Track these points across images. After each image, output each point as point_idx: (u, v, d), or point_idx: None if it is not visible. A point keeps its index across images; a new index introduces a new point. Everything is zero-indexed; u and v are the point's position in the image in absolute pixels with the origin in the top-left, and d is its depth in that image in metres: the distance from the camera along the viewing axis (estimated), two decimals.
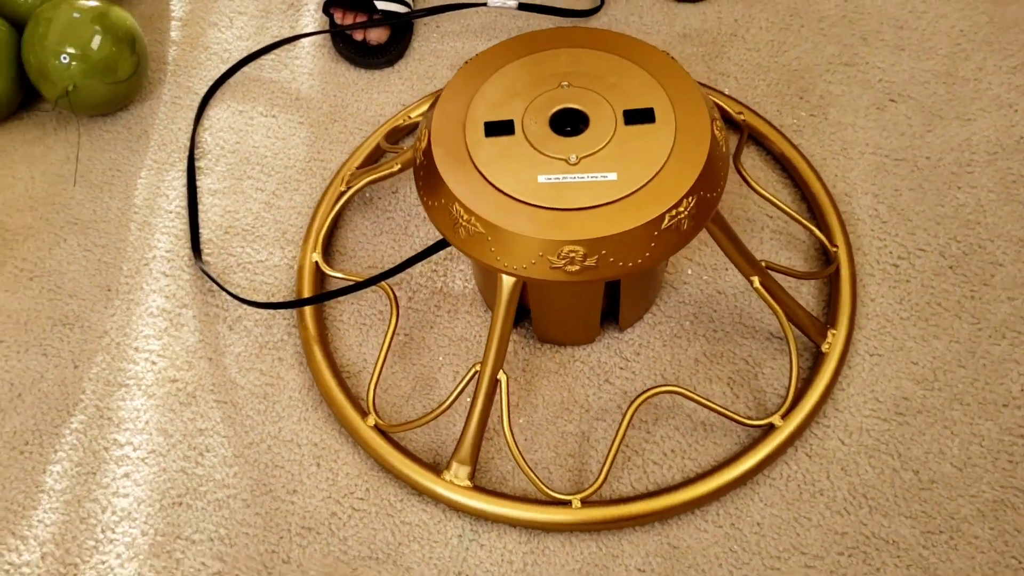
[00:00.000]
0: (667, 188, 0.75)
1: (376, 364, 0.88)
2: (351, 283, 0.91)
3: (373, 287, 0.96)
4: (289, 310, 0.96)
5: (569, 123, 0.80)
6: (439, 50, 1.16)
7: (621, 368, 0.92)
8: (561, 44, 0.85)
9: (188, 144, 1.10)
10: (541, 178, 0.76)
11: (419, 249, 1.00)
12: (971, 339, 0.92)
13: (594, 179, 0.76)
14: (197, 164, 1.08)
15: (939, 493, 0.84)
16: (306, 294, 0.95)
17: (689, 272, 0.97)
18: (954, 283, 0.95)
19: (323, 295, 0.92)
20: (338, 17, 1.14)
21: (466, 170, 0.77)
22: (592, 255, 0.74)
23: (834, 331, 0.90)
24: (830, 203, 0.98)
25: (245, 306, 0.97)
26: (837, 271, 0.94)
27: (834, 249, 0.95)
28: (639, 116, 0.79)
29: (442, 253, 1.00)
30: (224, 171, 1.08)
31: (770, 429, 0.85)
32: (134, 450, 0.90)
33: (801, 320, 0.89)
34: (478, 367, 0.83)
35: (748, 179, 0.95)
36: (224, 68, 1.16)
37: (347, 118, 1.11)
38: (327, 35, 1.17)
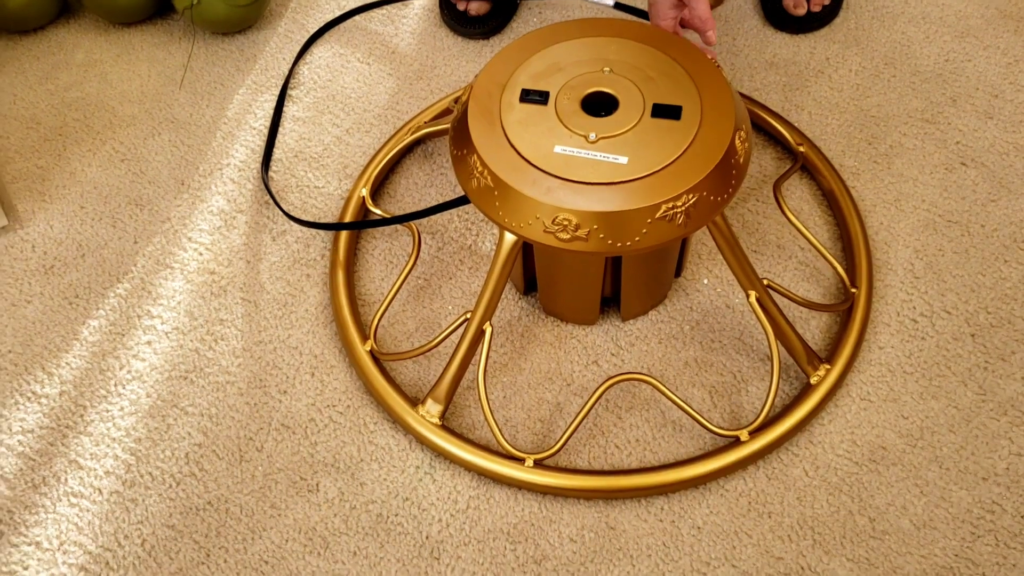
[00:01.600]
0: (671, 180, 0.78)
1: (387, 295, 0.94)
2: (384, 218, 0.98)
3: (402, 226, 1.02)
4: (328, 234, 1.03)
5: (600, 105, 0.84)
6: None
7: (612, 354, 0.94)
8: (617, 34, 0.89)
9: (286, 72, 1.19)
10: (557, 148, 0.80)
11: (452, 221, 1.05)
12: (971, 408, 0.90)
13: (605, 159, 0.79)
14: (289, 92, 1.18)
15: (889, 545, 0.82)
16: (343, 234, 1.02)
17: (705, 282, 0.99)
18: (971, 350, 0.93)
19: (354, 223, 0.99)
20: None
21: (493, 128, 0.82)
22: (584, 227, 0.77)
23: (828, 367, 0.90)
24: (864, 248, 0.98)
25: (291, 222, 1.05)
26: (850, 311, 0.94)
27: (853, 290, 0.94)
28: (666, 111, 0.82)
29: (479, 221, 1.05)
30: (310, 102, 1.17)
31: (735, 442, 0.86)
32: (162, 323, 0.99)
33: (793, 346, 0.89)
34: (469, 314, 0.87)
35: (783, 205, 0.96)
36: (339, 13, 1.26)
37: (433, 78, 1.18)
38: (435, 1, 1.25)
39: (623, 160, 0.79)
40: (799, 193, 1.05)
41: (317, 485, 0.88)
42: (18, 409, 0.94)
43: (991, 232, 1.01)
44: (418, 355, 0.90)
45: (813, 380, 0.89)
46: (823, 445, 0.88)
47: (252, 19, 1.23)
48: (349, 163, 1.11)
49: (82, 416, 0.93)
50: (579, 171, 0.79)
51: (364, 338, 0.94)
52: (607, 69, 0.85)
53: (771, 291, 0.89)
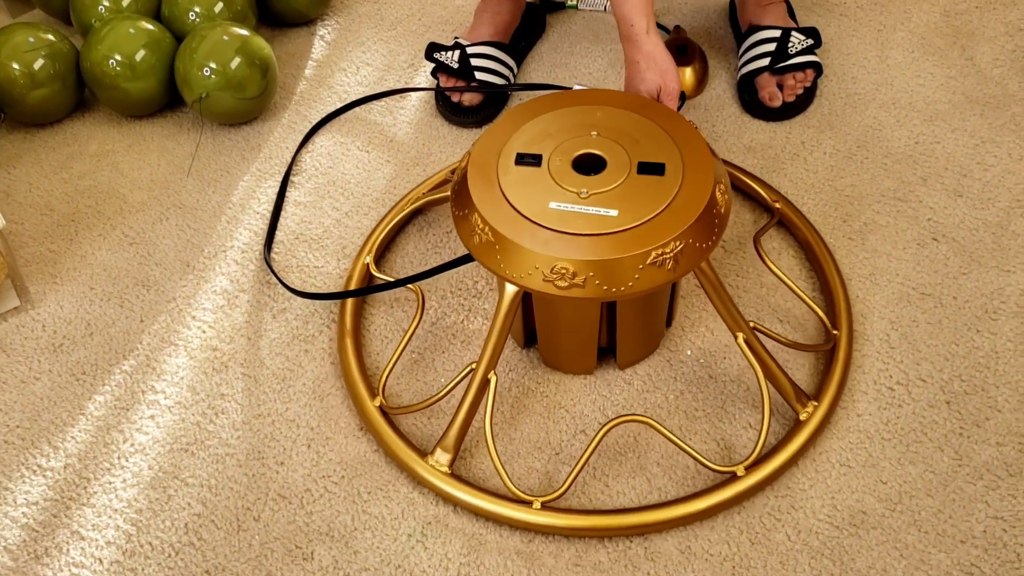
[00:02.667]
0: (659, 229, 0.85)
1: (395, 353, 1.00)
2: (388, 282, 1.03)
3: (406, 289, 1.07)
4: (329, 307, 1.08)
5: (590, 165, 0.91)
6: None
7: (610, 400, 0.99)
8: (602, 102, 0.96)
9: (289, 160, 1.25)
10: (552, 204, 0.87)
11: (454, 281, 1.10)
12: (948, 473, 0.92)
13: (597, 212, 0.86)
14: (292, 178, 1.24)
15: None
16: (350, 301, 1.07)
17: (688, 353, 1.03)
18: (946, 417, 0.96)
19: (357, 290, 1.04)
20: (443, 80, 1.29)
21: (491, 189, 0.89)
22: (581, 274, 0.83)
23: (815, 403, 0.94)
24: (842, 292, 1.05)
25: (290, 300, 1.09)
26: (833, 351, 0.99)
27: (835, 332, 1.00)
28: (651, 168, 0.89)
29: (479, 282, 1.09)
30: (312, 188, 1.23)
31: (732, 478, 0.90)
32: (165, 398, 1.02)
33: (782, 385, 0.94)
34: (474, 365, 0.92)
35: (763, 255, 1.03)
36: (340, 105, 1.33)
37: (429, 164, 1.24)
38: (431, 93, 1.32)
39: (613, 213, 0.86)
40: (778, 246, 1.11)
41: (312, 553, 0.90)
42: (24, 482, 0.97)
43: (963, 304, 1.05)
44: (426, 407, 0.95)
45: (802, 416, 0.94)
46: (804, 510, 0.90)
47: (257, 111, 1.30)
48: (348, 244, 1.16)
49: (85, 488, 0.96)
50: (573, 224, 0.85)
51: (373, 395, 0.98)
52: (594, 133, 0.93)
53: (758, 333, 0.94)
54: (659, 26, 1.39)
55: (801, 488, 0.92)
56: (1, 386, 1.04)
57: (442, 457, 0.92)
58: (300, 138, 1.29)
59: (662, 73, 1.03)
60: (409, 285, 1.03)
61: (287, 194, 1.22)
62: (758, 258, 1.07)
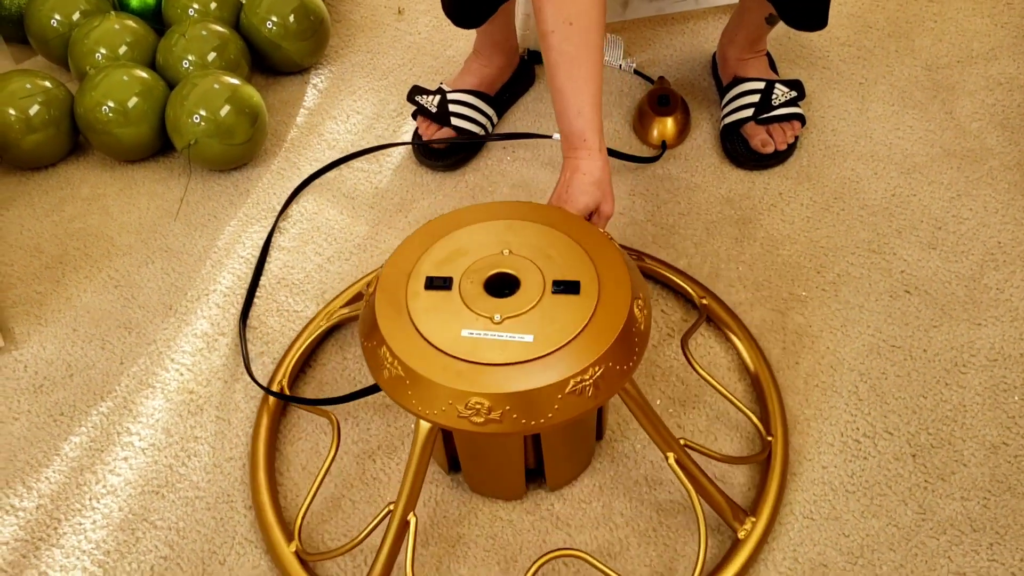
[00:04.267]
0: (577, 355, 0.79)
1: (309, 492, 0.93)
2: (302, 402, 1.00)
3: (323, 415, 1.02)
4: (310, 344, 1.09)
5: (503, 285, 0.86)
6: (504, 170, 1.31)
7: (540, 526, 0.95)
8: (515, 216, 0.91)
9: (278, 207, 1.28)
10: (464, 332, 0.81)
11: (373, 403, 1.05)
12: (911, 527, 0.92)
13: (512, 338, 0.80)
14: (277, 224, 1.26)
15: None
16: (264, 421, 1.02)
17: (631, 441, 1.00)
18: (911, 471, 0.96)
19: (283, 399, 1.02)
20: (420, 122, 1.31)
21: (400, 317, 0.83)
22: (496, 409, 0.78)
23: (753, 519, 0.91)
24: (776, 396, 1.01)
25: (267, 344, 1.11)
26: (768, 461, 0.96)
27: (769, 439, 0.97)
28: (566, 287, 0.84)
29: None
30: (296, 233, 1.25)
31: None
32: (139, 440, 1.04)
33: (718, 504, 0.90)
34: (391, 506, 0.86)
35: (691, 359, 0.99)
36: (329, 154, 1.35)
37: (411, 211, 1.26)
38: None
39: (529, 338, 0.80)
40: (709, 343, 1.08)
41: None
42: None
43: (933, 357, 1.06)
44: (344, 553, 0.89)
45: (741, 535, 0.90)
46: (765, 563, 0.90)
47: (247, 157, 1.33)
48: (327, 289, 1.18)
49: (56, 529, 0.97)
50: (487, 353, 0.80)
51: (289, 538, 0.92)
52: (506, 251, 0.88)
53: (689, 450, 0.90)
54: (643, 75, 1.42)
55: (764, 541, 0.92)
56: None
57: None
58: (289, 184, 1.31)
59: (604, 194, 0.98)
60: (325, 409, 0.99)
61: (272, 239, 1.24)
62: (682, 359, 1.05)
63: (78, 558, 0.95)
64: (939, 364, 1.05)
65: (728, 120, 1.29)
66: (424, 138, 1.30)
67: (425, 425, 0.83)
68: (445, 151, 1.29)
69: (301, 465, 1.01)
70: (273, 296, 1.17)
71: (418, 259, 0.88)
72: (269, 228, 1.25)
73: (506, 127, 1.37)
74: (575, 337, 0.80)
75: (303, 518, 0.93)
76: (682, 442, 0.90)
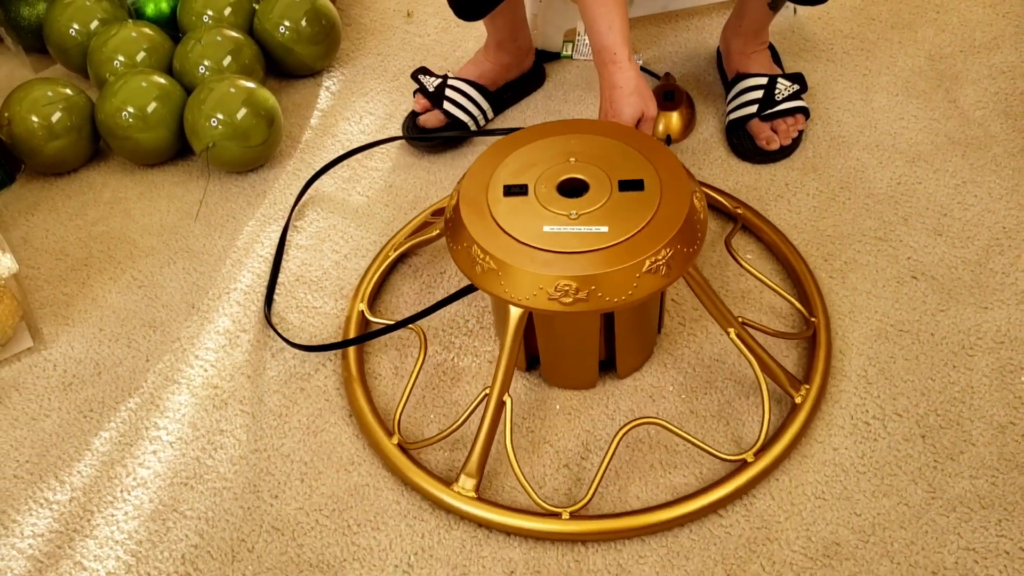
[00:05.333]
0: (649, 239, 0.91)
1: (404, 392, 1.04)
2: (389, 325, 1.07)
3: (399, 336, 1.12)
4: (333, 352, 1.12)
5: (573, 189, 0.97)
6: None
7: (616, 407, 1.05)
8: (574, 131, 1.02)
9: (291, 205, 1.31)
10: (546, 228, 0.93)
11: (451, 321, 1.14)
12: (921, 505, 0.94)
13: (589, 230, 0.92)
14: (294, 223, 1.29)
15: None
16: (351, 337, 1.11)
17: (686, 334, 1.09)
18: (921, 451, 0.98)
19: (359, 337, 1.08)
20: (417, 102, 1.36)
21: (485, 221, 0.94)
22: (583, 289, 0.88)
23: (807, 386, 1.01)
24: (813, 282, 1.12)
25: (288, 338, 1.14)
26: (814, 338, 1.06)
27: (813, 320, 1.07)
28: (631, 185, 0.95)
29: (469, 320, 1.13)
30: (313, 232, 1.28)
31: (742, 465, 0.96)
32: (167, 434, 1.07)
33: (776, 374, 1.00)
34: (487, 391, 0.97)
35: (736, 256, 1.11)
36: (341, 153, 1.38)
37: (424, 206, 1.29)
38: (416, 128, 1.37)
39: (604, 229, 0.92)
40: (748, 248, 1.18)
41: None
42: (31, 515, 1.01)
43: (940, 340, 1.08)
44: (444, 438, 1.00)
45: (798, 400, 1.00)
46: (779, 542, 0.93)
47: (263, 159, 1.36)
48: (345, 285, 1.20)
49: (89, 520, 1.00)
50: (569, 244, 0.91)
51: (389, 433, 1.02)
52: (572, 159, 0.99)
53: (746, 327, 1.00)
54: (649, 72, 1.45)
55: (776, 520, 0.94)
56: (13, 423, 1.09)
57: (467, 483, 0.96)
58: (303, 184, 1.34)
59: (644, 100, 1.08)
60: (410, 326, 1.07)
61: (289, 238, 1.27)
62: (728, 264, 1.13)
63: (111, 548, 0.98)
64: (946, 347, 1.07)
65: (733, 116, 1.31)
66: (417, 110, 1.35)
67: (516, 311, 0.93)
68: (430, 131, 1.35)
69: (384, 380, 1.10)
70: (292, 293, 1.20)
71: (492, 173, 0.98)
72: (284, 224, 1.28)
73: (510, 122, 1.40)
74: (646, 225, 0.91)
75: (399, 416, 1.02)
76: (740, 320, 1.00)
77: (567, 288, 0.88)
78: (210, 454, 1.05)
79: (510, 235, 0.92)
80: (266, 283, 1.21)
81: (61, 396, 1.12)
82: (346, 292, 1.20)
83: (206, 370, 1.13)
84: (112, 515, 1.00)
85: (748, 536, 0.93)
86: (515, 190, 0.97)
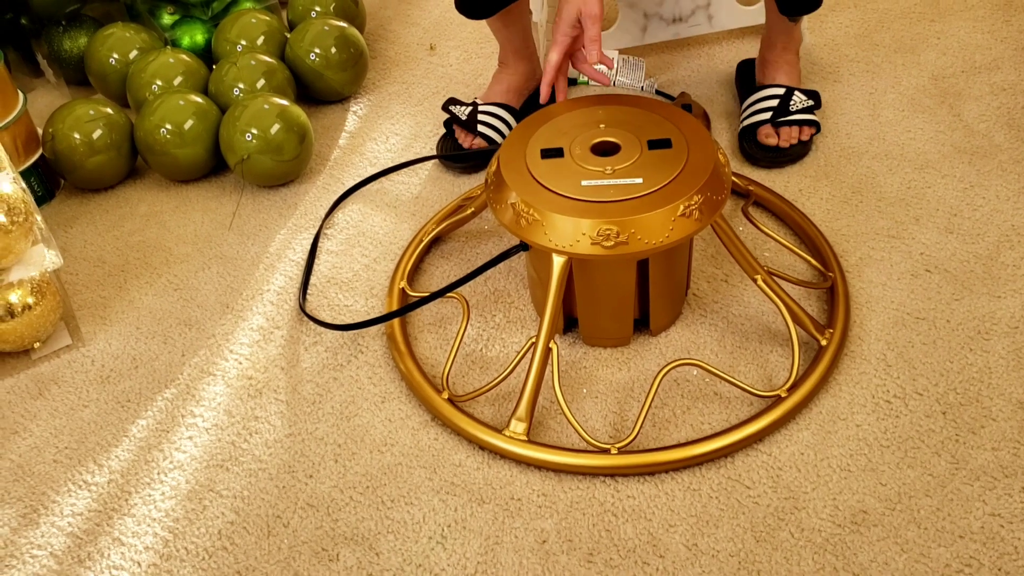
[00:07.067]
0: (681, 188, 0.99)
1: (450, 352, 1.09)
2: (433, 293, 1.11)
3: (446, 300, 1.17)
4: (356, 340, 1.15)
5: (606, 150, 1.05)
6: None
7: (652, 358, 1.11)
8: (600, 104, 1.12)
9: (322, 216, 1.36)
10: (584, 182, 1.01)
11: (489, 295, 1.18)
12: (945, 475, 0.96)
13: (625, 182, 1.00)
14: (324, 232, 1.34)
15: None
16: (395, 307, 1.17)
17: (711, 292, 1.16)
18: (942, 426, 1.00)
19: (404, 308, 1.13)
20: (458, 133, 1.42)
21: (525, 179, 1.03)
22: (624, 233, 0.96)
23: (831, 330, 1.08)
24: (825, 242, 1.20)
25: (321, 334, 1.17)
26: (833, 290, 1.14)
27: (830, 274, 1.15)
28: (659, 144, 1.04)
29: (507, 291, 1.17)
30: (343, 239, 1.32)
31: (777, 400, 1.02)
32: (203, 421, 1.10)
33: (802, 319, 1.07)
34: (533, 339, 1.03)
35: (754, 220, 1.18)
36: (371, 170, 1.44)
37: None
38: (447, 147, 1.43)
39: (639, 180, 1.00)
40: (760, 221, 1.23)
41: (337, 555, 0.95)
42: (70, 496, 1.03)
43: (956, 326, 1.11)
44: (492, 388, 1.06)
45: (823, 342, 1.07)
46: (807, 510, 0.94)
47: (294, 173, 1.41)
48: (375, 285, 1.24)
49: (127, 500, 1.02)
50: (607, 194, 0.99)
51: (438, 390, 1.07)
52: (602, 126, 1.08)
53: (771, 275, 1.08)
54: (664, 94, 1.51)
55: (804, 491, 0.96)
56: (52, 413, 1.12)
57: (518, 427, 1.01)
58: (333, 197, 1.39)
59: None
60: (453, 293, 1.11)
61: (320, 245, 1.31)
62: (744, 236, 1.20)
63: (149, 525, 0.99)
64: (963, 332, 1.10)
65: (746, 123, 1.37)
66: (464, 145, 1.39)
67: (559, 259, 1.00)
68: (470, 153, 1.39)
69: (425, 346, 1.16)
70: (324, 294, 1.24)
71: (528, 141, 1.07)
72: (315, 233, 1.32)
73: None
74: (677, 176, 1.00)
75: (447, 373, 1.08)
76: (766, 268, 1.07)
77: (608, 232, 0.96)
78: (245, 439, 1.07)
79: (551, 190, 1.00)
80: (298, 285, 1.25)
81: (99, 388, 1.15)
82: (375, 291, 1.23)
83: (240, 363, 1.16)
84: (149, 495, 1.02)
85: (776, 506, 0.95)
86: (552, 153, 1.05)
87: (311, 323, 1.19)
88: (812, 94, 1.36)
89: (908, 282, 1.17)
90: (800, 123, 1.35)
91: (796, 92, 1.35)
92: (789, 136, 1.33)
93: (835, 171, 1.34)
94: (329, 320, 1.20)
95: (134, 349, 1.19)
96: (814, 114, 1.36)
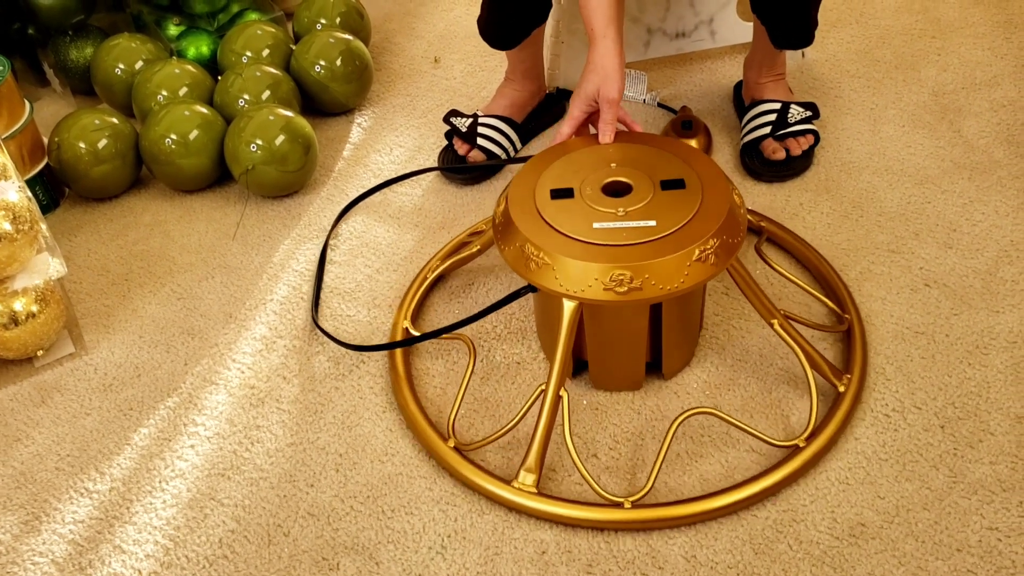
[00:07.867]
0: (696, 231, 0.96)
1: (456, 397, 1.06)
2: (443, 328, 1.10)
3: (447, 341, 1.16)
4: (357, 353, 1.16)
5: (617, 190, 1.02)
6: None
7: (665, 404, 1.08)
8: (612, 141, 1.09)
9: (328, 227, 1.36)
10: (596, 224, 0.98)
11: (496, 332, 1.18)
12: (943, 489, 0.96)
13: (638, 224, 0.97)
14: (328, 242, 1.34)
15: None
16: (398, 353, 1.13)
17: (724, 333, 1.14)
18: (940, 439, 1.01)
19: (408, 340, 1.12)
20: (456, 143, 1.42)
21: (535, 221, 0.99)
22: (638, 278, 0.93)
23: (849, 376, 1.05)
24: (840, 283, 1.17)
25: (323, 344, 1.18)
26: (849, 332, 1.11)
27: (846, 316, 1.12)
28: (673, 184, 1.01)
29: (512, 330, 1.17)
30: (346, 249, 1.33)
31: (795, 450, 0.99)
32: (205, 430, 1.10)
33: (819, 364, 1.04)
34: (543, 387, 0.99)
35: (768, 260, 1.16)
36: (374, 181, 1.45)
37: (453, 227, 1.34)
38: (449, 160, 1.44)
39: (652, 223, 0.97)
40: (773, 259, 1.20)
41: (338, 565, 0.95)
42: (72, 503, 1.04)
43: (955, 340, 1.11)
44: (500, 437, 1.02)
45: (841, 388, 1.04)
46: (805, 523, 0.95)
47: (299, 184, 1.42)
48: (376, 295, 1.25)
49: (128, 508, 1.02)
50: (619, 237, 0.96)
51: (444, 437, 1.03)
52: (613, 164, 1.05)
53: (788, 319, 1.06)
54: (666, 107, 1.52)
55: (802, 504, 0.96)
56: (55, 420, 1.13)
57: (527, 478, 0.97)
58: (337, 208, 1.40)
59: (603, 78, 1.09)
60: (457, 333, 1.09)
61: (325, 254, 1.32)
62: (757, 274, 1.17)
63: (150, 533, 1.00)
64: (961, 347, 1.10)
65: (748, 139, 1.38)
66: (461, 154, 1.40)
67: (570, 305, 0.97)
68: (471, 166, 1.40)
69: (430, 394, 1.12)
70: (327, 303, 1.25)
71: (537, 180, 1.04)
72: (322, 244, 1.33)
73: (538, 150, 1.46)
74: (691, 219, 0.97)
75: (454, 419, 1.05)
76: (782, 312, 1.04)
77: (621, 278, 0.92)
78: (247, 448, 1.08)
79: (562, 232, 0.97)
80: (302, 295, 1.26)
81: (101, 396, 1.15)
82: (378, 302, 1.24)
83: (243, 372, 1.17)
84: (151, 503, 1.03)
85: (774, 519, 0.95)
86: (562, 193, 1.01)
87: (313, 333, 1.19)
88: (809, 105, 1.37)
89: (907, 296, 1.17)
90: (801, 133, 1.36)
91: (793, 105, 1.37)
92: (792, 147, 1.34)
93: (836, 186, 1.35)
94: (331, 330, 1.21)
95: (137, 358, 1.20)
96: (812, 124, 1.37)
